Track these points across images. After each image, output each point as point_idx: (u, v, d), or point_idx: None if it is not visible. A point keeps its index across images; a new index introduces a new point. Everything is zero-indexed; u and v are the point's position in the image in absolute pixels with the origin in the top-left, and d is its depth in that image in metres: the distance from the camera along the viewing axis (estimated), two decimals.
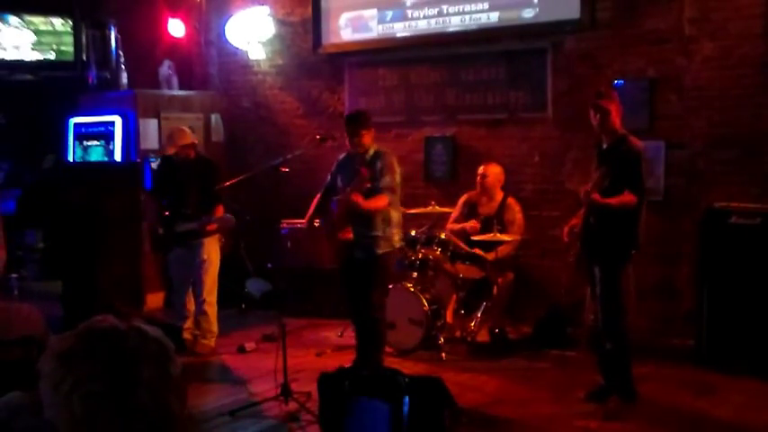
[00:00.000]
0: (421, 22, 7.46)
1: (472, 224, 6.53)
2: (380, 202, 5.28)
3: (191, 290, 6.33)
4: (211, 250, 6.21)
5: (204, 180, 6.10)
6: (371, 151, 5.41)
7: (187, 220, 6.03)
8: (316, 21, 8.03)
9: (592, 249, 4.87)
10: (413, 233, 6.43)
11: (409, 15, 7.52)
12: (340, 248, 5.50)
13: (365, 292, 5.40)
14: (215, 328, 6.34)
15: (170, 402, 1.33)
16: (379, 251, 5.35)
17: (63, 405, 1.28)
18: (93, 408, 1.27)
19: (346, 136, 5.43)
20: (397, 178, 5.40)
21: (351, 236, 5.35)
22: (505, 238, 6.23)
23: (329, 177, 5.70)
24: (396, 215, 5.47)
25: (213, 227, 6.02)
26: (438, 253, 6.38)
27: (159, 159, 7.00)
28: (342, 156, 5.69)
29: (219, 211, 6.09)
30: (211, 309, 6.27)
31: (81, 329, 1.35)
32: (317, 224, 5.75)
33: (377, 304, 5.42)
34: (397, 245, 5.55)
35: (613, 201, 4.69)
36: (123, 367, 1.29)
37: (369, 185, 5.21)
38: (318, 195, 5.69)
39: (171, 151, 6.18)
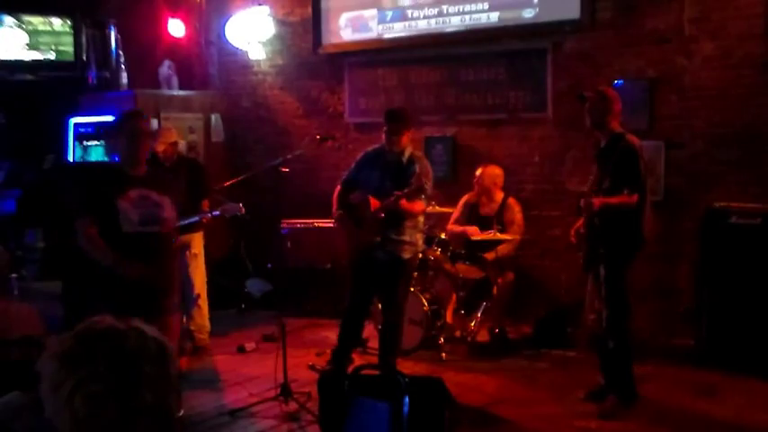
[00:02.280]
0: (421, 22, 7.46)
1: (473, 230, 6.50)
2: (418, 206, 5.20)
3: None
4: (199, 244, 6.27)
5: (193, 179, 6.03)
6: (407, 153, 5.30)
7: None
8: (316, 21, 8.03)
9: (597, 249, 4.86)
10: None
11: (409, 15, 7.52)
12: (357, 246, 5.36)
13: (386, 294, 5.38)
14: (207, 322, 6.38)
15: (170, 401, 1.33)
16: (406, 256, 5.28)
17: (65, 406, 1.28)
18: (96, 408, 1.27)
19: (385, 131, 5.25)
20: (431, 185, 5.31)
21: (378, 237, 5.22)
22: (505, 237, 6.23)
23: (352, 170, 5.52)
24: (421, 220, 5.43)
25: (210, 219, 6.00)
26: (438, 253, 6.38)
27: None
28: (370, 150, 5.53)
29: (206, 205, 6.05)
30: (204, 303, 6.32)
31: (79, 330, 1.35)
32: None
33: (399, 307, 5.41)
34: (420, 248, 5.52)
35: (612, 200, 4.68)
36: (125, 367, 1.30)
37: (407, 191, 5.04)
38: (338, 189, 5.52)
39: (161, 148, 6.09)
